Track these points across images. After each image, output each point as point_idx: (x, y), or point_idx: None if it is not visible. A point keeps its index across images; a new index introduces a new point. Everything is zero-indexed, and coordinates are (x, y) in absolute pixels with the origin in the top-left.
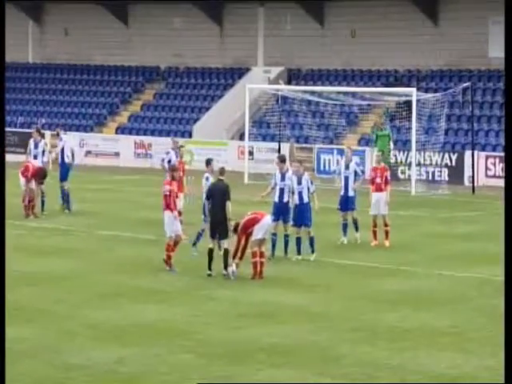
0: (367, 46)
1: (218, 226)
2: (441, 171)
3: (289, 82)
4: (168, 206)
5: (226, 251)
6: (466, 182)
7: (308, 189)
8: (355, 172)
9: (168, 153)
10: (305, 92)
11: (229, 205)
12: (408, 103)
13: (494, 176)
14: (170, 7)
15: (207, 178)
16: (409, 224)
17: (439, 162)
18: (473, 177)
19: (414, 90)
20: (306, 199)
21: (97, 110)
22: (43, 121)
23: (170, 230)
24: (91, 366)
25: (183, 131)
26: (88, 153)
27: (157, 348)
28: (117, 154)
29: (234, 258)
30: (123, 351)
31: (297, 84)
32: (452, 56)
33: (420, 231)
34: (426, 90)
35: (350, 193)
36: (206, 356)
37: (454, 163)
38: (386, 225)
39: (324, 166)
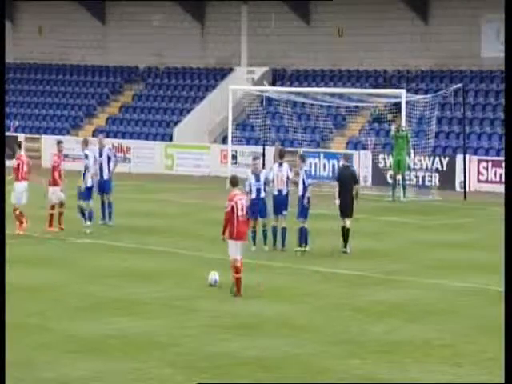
0: (355, 46)
1: (347, 207)
2: (431, 176)
3: (273, 83)
4: None
5: (348, 230)
6: (458, 188)
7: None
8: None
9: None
10: (290, 93)
11: (357, 188)
12: (397, 105)
13: (487, 181)
14: (150, 4)
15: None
16: (398, 231)
17: (430, 167)
18: (464, 182)
19: (403, 91)
20: (262, 194)
21: (73, 112)
22: (17, 123)
23: None
24: (66, 381)
25: (163, 134)
26: (64, 157)
27: (136, 362)
28: None
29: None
30: (101, 365)
31: (282, 85)
32: (443, 56)
33: (409, 238)
34: (416, 92)
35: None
36: (187, 370)
37: (444, 168)
38: None
39: (310, 170)
